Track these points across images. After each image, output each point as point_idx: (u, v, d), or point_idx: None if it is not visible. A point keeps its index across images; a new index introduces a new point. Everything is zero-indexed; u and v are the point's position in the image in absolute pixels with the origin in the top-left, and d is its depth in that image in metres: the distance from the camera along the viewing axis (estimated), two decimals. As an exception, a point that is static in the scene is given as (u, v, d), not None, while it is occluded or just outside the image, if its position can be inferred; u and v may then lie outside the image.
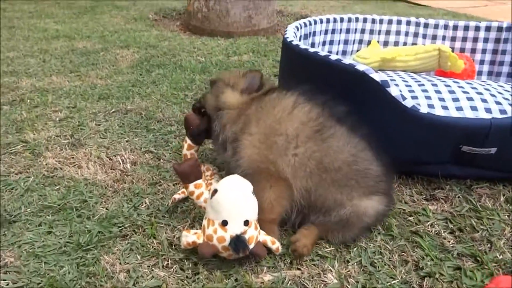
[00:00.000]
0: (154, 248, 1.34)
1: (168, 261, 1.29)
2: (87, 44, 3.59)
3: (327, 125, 1.34)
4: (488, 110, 1.66)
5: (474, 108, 1.69)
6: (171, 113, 2.28)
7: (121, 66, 3.07)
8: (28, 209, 1.49)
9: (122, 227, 1.42)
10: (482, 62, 2.42)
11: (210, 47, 3.62)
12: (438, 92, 1.80)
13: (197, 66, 3.08)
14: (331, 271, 1.27)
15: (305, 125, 1.33)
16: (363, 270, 1.28)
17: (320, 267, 1.29)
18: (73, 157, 1.83)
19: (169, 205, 1.53)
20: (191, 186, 1.35)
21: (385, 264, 1.30)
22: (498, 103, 1.68)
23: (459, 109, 1.70)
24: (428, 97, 1.76)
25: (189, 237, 1.26)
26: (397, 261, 1.31)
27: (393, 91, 1.51)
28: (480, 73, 2.42)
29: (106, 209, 1.52)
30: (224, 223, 1.22)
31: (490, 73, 2.42)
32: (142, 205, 1.54)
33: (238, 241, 1.20)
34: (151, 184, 1.66)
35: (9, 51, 3.32)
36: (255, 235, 1.25)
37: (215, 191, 1.25)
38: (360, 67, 1.53)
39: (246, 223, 1.23)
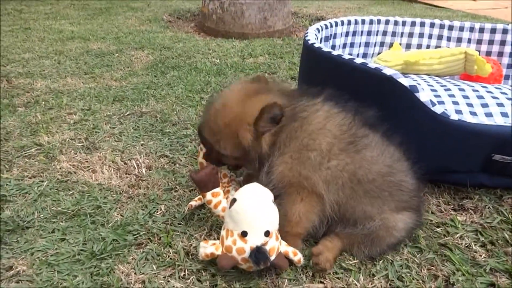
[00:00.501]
0: (170, 258, 1.28)
1: (185, 271, 1.24)
2: (102, 46, 3.57)
3: (359, 135, 1.26)
4: (520, 117, 1.57)
5: (504, 115, 1.61)
6: (186, 116, 2.24)
7: (136, 68, 3.04)
8: (42, 215, 1.45)
9: (137, 235, 1.37)
10: (509, 66, 2.32)
11: (225, 49, 3.57)
12: (465, 97, 1.72)
13: (212, 68, 3.03)
14: (356, 285, 1.20)
15: (337, 138, 1.24)
16: (390, 285, 1.22)
17: (344, 281, 1.22)
18: (87, 161, 1.79)
19: (185, 212, 1.47)
20: (209, 195, 1.30)
21: (413, 279, 1.23)
22: (530, 109, 1.59)
23: (488, 115, 1.62)
24: (455, 103, 1.68)
25: (207, 248, 1.20)
26: (426, 276, 1.24)
27: (422, 96, 1.43)
28: (507, 77, 2.32)
29: (121, 215, 1.47)
30: (244, 234, 1.16)
31: (517, 77, 2.32)
32: (157, 212, 1.49)
33: (258, 253, 1.14)
34: (166, 190, 1.61)
35: (25, 52, 3.32)
36: (276, 246, 1.19)
37: (234, 200, 1.19)
38: (387, 71, 1.46)
39: (267, 233, 1.17)
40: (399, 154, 1.29)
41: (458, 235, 1.41)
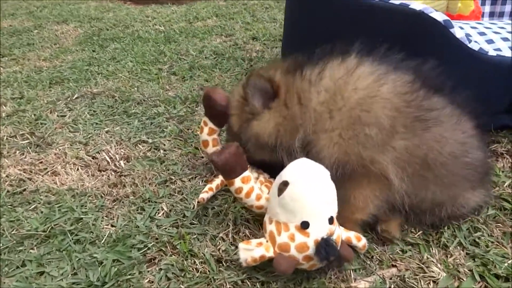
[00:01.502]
0: (200, 271, 0.98)
1: (225, 285, 0.94)
2: (14, 23, 2.94)
3: (426, 107, 0.97)
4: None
5: (513, 48, 1.49)
6: (151, 91, 1.85)
7: (66, 44, 2.52)
8: (0, 244, 1.05)
9: (145, 249, 1.04)
10: (483, 2, 2.23)
11: (165, 15, 3.14)
12: (468, 35, 1.57)
13: (159, 36, 2.62)
14: (433, 261, 1.00)
15: (400, 111, 0.95)
16: (467, 253, 1.03)
17: (417, 258, 1.02)
18: (41, 162, 1.37)
19: (195, 208, 1.16)
20: (238, 182, 1.00)
21: (488, 242, 1.06)
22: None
23: (497, 50, 1.49)
24: (463, 41, 1.52)
25: (254, 251, 0.91)
26: (499, 236, 1.08)
27: (458, 32, 1.24)
28: (482, 15, 2.24)
29: (112, 226, 1.12)
30: (305, 226, 0.89)
31: (492, 14, 2.24)
32: (159, 214, 1.16)
33: (327, 246, 0.88)
34: (160, 184, 1.27)
35: None
36: (340, 234, 0.94)
37: (286, 183, 0.90)
38: (417, 6, 1.23)
39: (331, 220, 0.91)
40: (471, 124, 1.05)
41: (506, 183, 1.26)
